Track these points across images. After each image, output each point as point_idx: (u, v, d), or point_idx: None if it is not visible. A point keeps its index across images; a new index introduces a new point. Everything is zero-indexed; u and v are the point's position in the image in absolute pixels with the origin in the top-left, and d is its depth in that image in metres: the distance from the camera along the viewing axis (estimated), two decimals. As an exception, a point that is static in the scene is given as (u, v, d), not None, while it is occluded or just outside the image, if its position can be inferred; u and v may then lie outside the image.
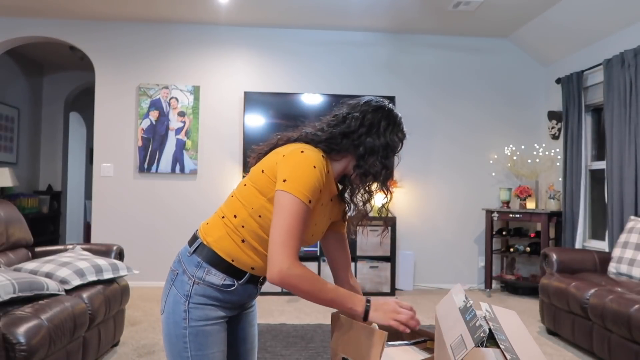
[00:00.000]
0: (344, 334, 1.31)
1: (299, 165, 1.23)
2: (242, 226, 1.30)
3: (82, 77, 7.00)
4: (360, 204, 1.45)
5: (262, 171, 1.30)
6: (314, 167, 1.23)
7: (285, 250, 1.19)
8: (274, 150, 1.36)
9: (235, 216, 1.31)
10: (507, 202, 5.26)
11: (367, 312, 1.24)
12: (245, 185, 1.33)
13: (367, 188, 1.41)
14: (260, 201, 1.29)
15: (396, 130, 1.38)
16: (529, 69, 5.66)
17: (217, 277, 1.30)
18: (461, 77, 5.60)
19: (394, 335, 1.36)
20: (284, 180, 1.22)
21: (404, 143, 1.45)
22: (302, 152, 1.26)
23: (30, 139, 6.82)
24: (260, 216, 1.29)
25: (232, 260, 1.31)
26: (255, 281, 1.38)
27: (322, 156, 1.30)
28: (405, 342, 1.39)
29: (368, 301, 1.25)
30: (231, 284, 1.32)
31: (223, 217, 1.34)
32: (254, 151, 1.44)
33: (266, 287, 4.88)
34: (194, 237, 1.36)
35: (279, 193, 1.22)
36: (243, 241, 1.31)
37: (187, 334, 1.29)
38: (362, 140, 1.34)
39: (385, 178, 1.37)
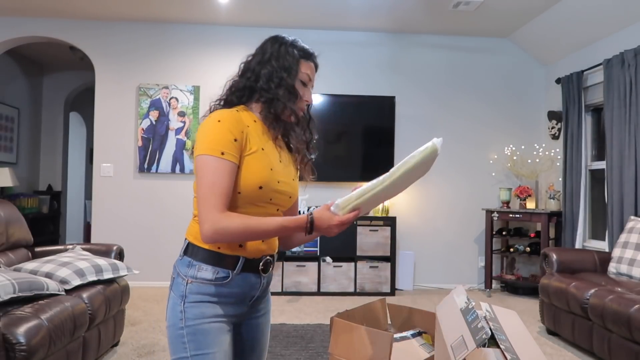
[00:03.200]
0: (345, 338, 1.30)
1: (203, 129, 1.25)
2: None
3: (82, 77, 7.00)
4: (303, 147, 1.43)
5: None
6: (218, 121, 1.24)
7: (209, 206, 1.18)
8: None
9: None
10: (507, 202, 5.26)
11: (311, 222, 1.24)
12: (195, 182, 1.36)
13: (297, 124, 1.39)
14: None
15: (290, 49, 1.36)
16: (529, 69, 5.66)
17: (209, 272, 1.27)
18: (461, 77, 5.60)
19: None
20: (195, 149, 1.25)
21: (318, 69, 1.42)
22: (205, 117, 1.29)
23: (30, 139, 6.82)
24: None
25: (219, 248, 1.28)
26: (254, 268, 1.32)
27: (237, 110, 1.31)
28: (402, 334, 1.39)
29: (310, 213, 1.25)
30: (225, 276, 1.28)
31: (195, 216, 1.33)
32: None
33: (266, 287, 4.89)
34: (184, 241, 1.37)
35: (194, 161, 1.24)
36: None
37: (185, 334, 1.26)
38: (257, 72, 1.34)
39: (291, 100, 1.34)
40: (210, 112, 1.33)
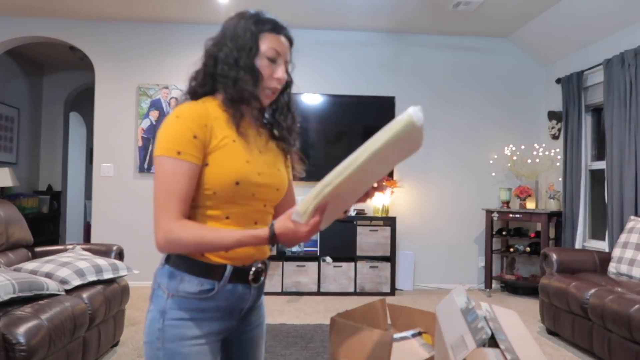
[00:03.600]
0: (345, 339, 1.30)
1: (161, 128, 1.13)
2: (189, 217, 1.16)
3: (82, 77, 7.00)
4: (285, 131, 1.29)
5: None
6: (176, 117, 1.11)
7: (162, 213, 1.08)
8: None
9: None
10: (507, 202, 5.26)
11: (272, 233, 1.07)
12: None
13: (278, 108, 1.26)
14: None
15: (248, 24, 1.20)
16: (529, 69, 5.67)
17: (192, 284, 1.14)
18: (461, 77, 5.60)
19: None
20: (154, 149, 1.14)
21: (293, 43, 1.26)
22: (166, 116, 1.19)
23: (30, 139, 6.82)
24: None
25: (202, 255, 1.14)
26: (243, 278, 1.18)
27: (202, 101, 1.19)
28: (402, 334, 1.39)
29: (272, 225, 1.08)
30: (211, 288, 1.14)
31: None
32: None
33: (265, 287, 4.89)
34: None
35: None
36: None
37: (161, 356, 1.12)
38: (215, 55, 1.20)
39: (250, 82, 1.18)
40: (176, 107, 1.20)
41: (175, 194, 1.08)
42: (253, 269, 1.19)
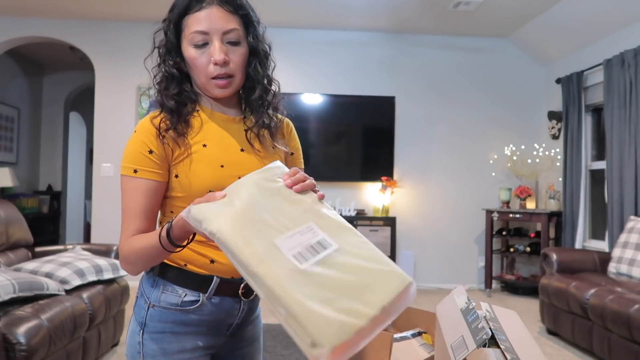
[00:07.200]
0: None
1: (125, 146, 1.08)
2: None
3: (82, 77, 7.00)
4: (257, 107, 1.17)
5: None
6: (135, 132, 1.07)
7: (121, 234, 1.04)
8: None
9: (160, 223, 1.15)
10: (507, 202, 5.26)
11: (168, 231, 0.95)
12: None
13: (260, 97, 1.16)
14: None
15: (167, 23, 1.12)
16: (529, 69, 5.66)
17: (174, 295, 1.06)
18: (461, 77, 5.60)
19: None
20: None
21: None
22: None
23: (30, 139, 6.82)
24: (172, 212, 1.10)
25: (185, 265, 1.07)
26: (232, 291, 1.09)
27: (163, 109, 1.10)
28: (402, 334, 1.39)
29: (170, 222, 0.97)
30: (195, 300, 1.06)
31: (161, 223, 1.16)
32: None
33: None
34: None
35: None
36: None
37: None
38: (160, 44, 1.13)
39: (180, 89, 1.10)
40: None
41: (131, 212, 1.04)
42: (245, 282, 1.08)
